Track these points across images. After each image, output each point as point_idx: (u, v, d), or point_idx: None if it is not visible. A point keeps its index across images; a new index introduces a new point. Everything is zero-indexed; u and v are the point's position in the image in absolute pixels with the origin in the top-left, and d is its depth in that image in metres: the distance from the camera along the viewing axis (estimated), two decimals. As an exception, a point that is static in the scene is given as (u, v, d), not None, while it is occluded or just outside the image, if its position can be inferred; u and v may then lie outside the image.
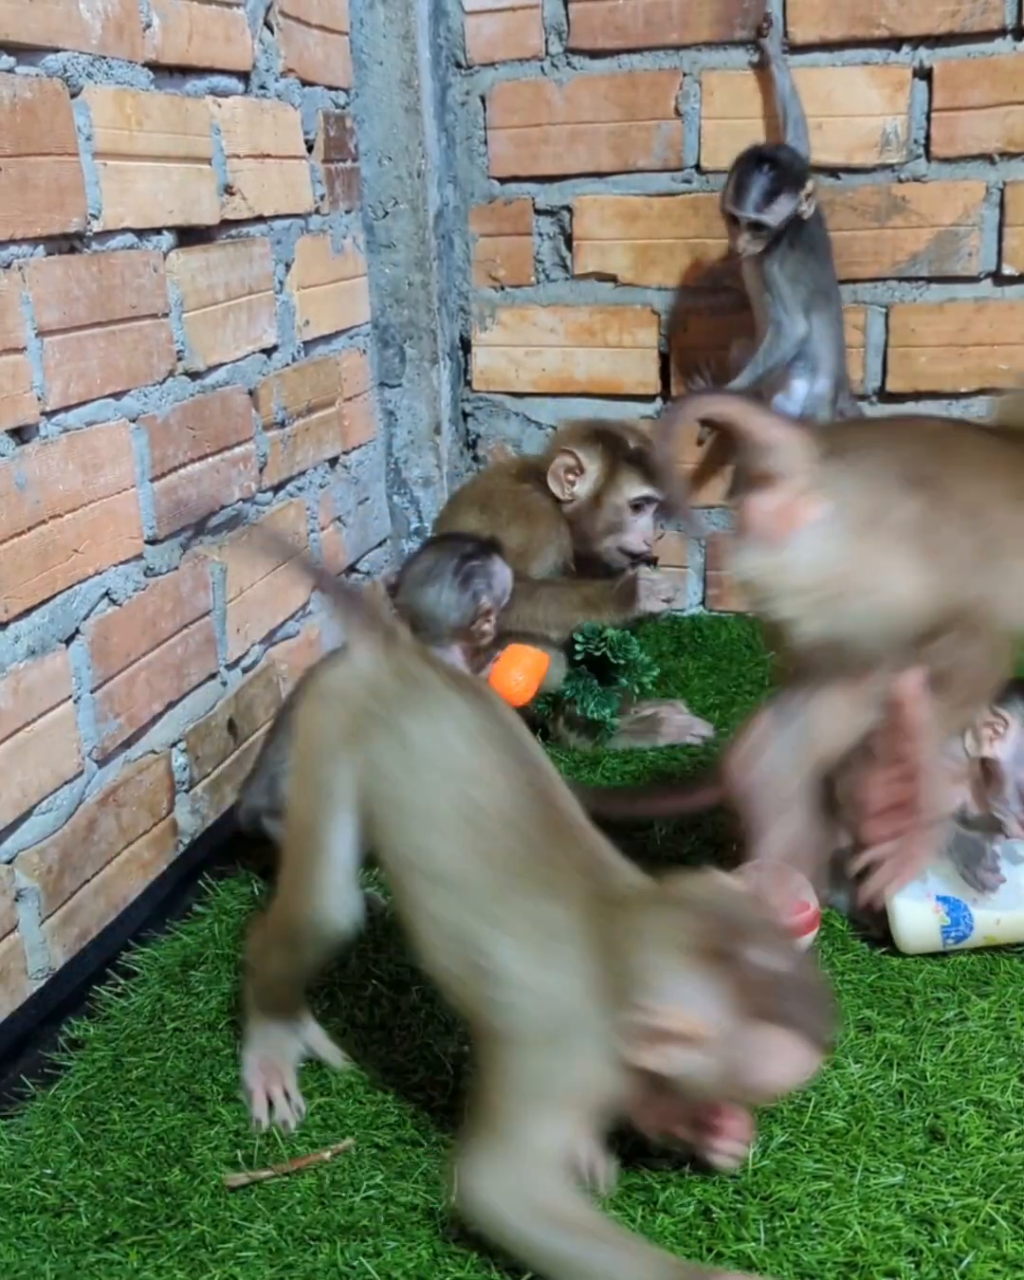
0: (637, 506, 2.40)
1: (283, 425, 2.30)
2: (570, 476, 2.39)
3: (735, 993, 1.18)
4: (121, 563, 1.78)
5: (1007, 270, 2.68)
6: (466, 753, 1.32)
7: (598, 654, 2.33)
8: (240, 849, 2.08)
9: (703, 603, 2.97)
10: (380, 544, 2.89)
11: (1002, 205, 2.66)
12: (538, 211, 2.90)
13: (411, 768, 1.31)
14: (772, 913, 1.34)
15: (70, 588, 1.67)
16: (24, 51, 1.55)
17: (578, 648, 2.34)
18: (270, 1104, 1.49)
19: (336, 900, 1.40)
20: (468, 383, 3.03)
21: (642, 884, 1.31)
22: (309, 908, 1.41)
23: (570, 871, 1.28)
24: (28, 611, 1.58)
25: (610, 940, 1.22)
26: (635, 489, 2.38)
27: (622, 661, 2.33)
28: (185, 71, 1.93)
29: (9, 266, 1.53)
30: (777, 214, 2.47)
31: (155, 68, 1.84)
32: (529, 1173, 1.23)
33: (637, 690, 2.37)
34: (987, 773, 1.74)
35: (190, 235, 1.96)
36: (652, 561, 2.47)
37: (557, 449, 2.43)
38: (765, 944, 1.21)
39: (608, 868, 1.31)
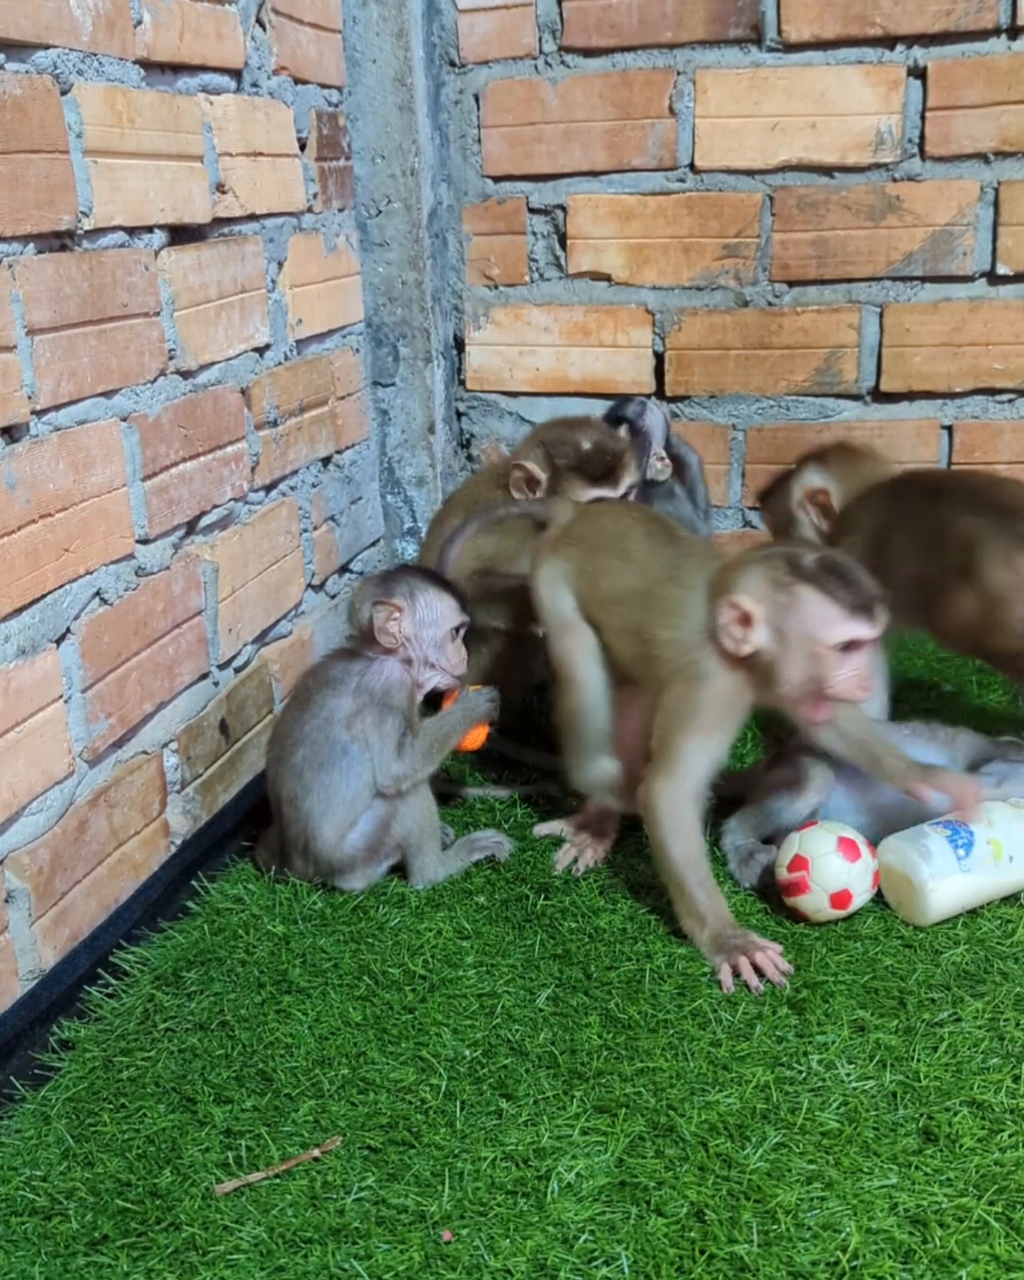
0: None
1: (275, 424, 2.29)
2: (529, 487, 2.33)
3: (783, 576, 1.72)
4: (112, 562, 1.78)
5: (1001, 270, 2.68)
6: (618, 532, 1.98)
7: None
8: (232, 849, 2.08)
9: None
10: (374, 544, 2.89)
11: (996, 204, 2.66)
12: (532, 210, 2.89)
13: (593, 554, 1.98)
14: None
15: (61, 587, 1.66)
16: (13, 48, 1.55)
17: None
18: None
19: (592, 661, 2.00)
20: (462, 382, 3.03)
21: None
22: (578, 668, 2.00)
23: (691, 565, 1.86)
24: (18, 611, 1.58)
25: (716, 587, 1.78)
26: (584, 493, 2.28)
27: None
28: (176, 69, 1.92)
29: (-1, 264, 1.52)
30: None
31: (146, 65, 1.83)
32: (683, 788, 1.79)
33: None
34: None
35: (182, 233, 1.96)
36: None
37: (511, 461, 2.37)
38: (813, 555, 1.75)
39: (721, 556, 1.89)
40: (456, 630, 2.04)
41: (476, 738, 2.08)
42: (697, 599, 1.80)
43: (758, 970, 1.69)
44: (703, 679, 1.78)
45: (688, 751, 1.79)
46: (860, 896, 1.79)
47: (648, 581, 1.89)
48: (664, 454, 2.63)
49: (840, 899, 1.78)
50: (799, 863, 1.79)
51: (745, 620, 1.72)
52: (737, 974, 1.69)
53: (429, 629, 2.01)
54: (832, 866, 1.77)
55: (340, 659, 2.03)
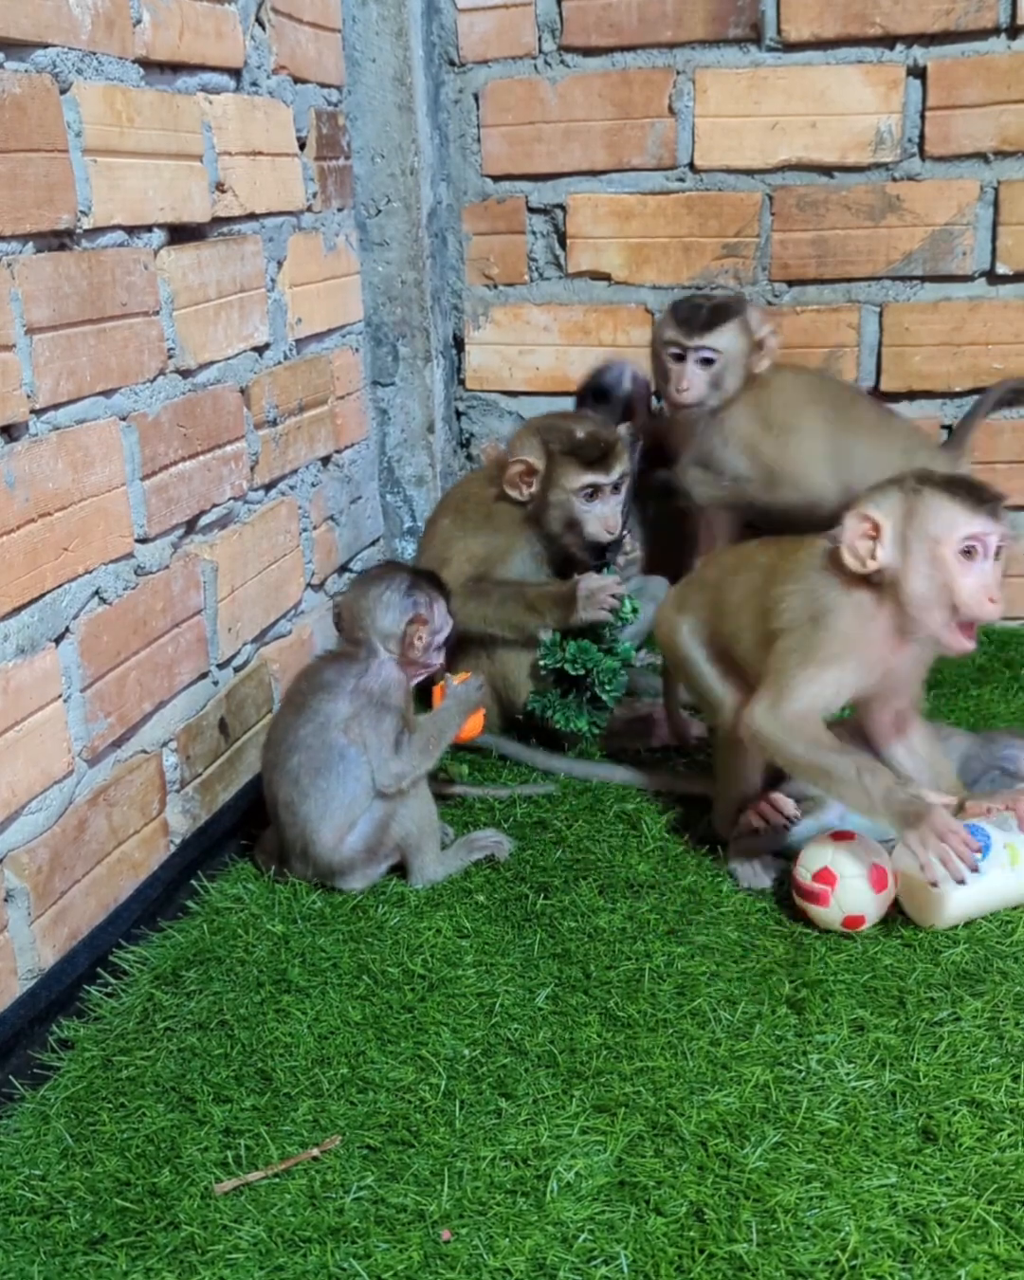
0: (588, 495, 2.32)
1: (274, 423, 2.29)
2: (527, 480, 2.34)
3: (910, 485, 1.77)
4: (112, 561, 1.78)
5: (1001, 269, 2.68)
6: (738, 558, 2.07)
7: (558, 666, 2.29)
8: (231, 848, 2.08)
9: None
10: (373, 543, 2.89)
11: (996, 204, 2.66)
12: (531, 210, 2.89)
13: (719, 585, 2.05)
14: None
15: (60, 586, 1.66)
16: (13, 47, 1.55)
17: (541, 661, 2.31)
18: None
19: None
20: (461, 381, 3.03)
21: None
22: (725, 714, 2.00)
23: (809, 543, 1.88)
24: (17, 610, 1.57)
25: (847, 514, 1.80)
26: (578, 478, 2.31)
27: (581, 671, 2.28)
28: (176, 68, 1.92)
29: (-2, 263, 1.52)
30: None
31: (146, 64, 1.83)
32: (789, 710, 1.79)
33: (607, 697, 2.30)
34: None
35: (181, 233, 1.96)
36: (616, 548, 2.40)
37: (508, 456, 2.38)
38: (943, 474, 1.81)
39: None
40: (450, 635, 2.08)
41: (474, 727, 2.09)
42: (815, 551, 1.85)
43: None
44: (824, 613, 1.80)
45: (799, 680, 1.79)
46: (871, 922, 1.78)
47: (769, 565, 1.93)
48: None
49: (853, 921, 1.77)
50: (827, 876, 1.76)
51: (873, 531, 1.76)
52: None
53: (437, 636, 2.05)
54: (857, 891, 1.76)
55: (334, 662, 2.02)
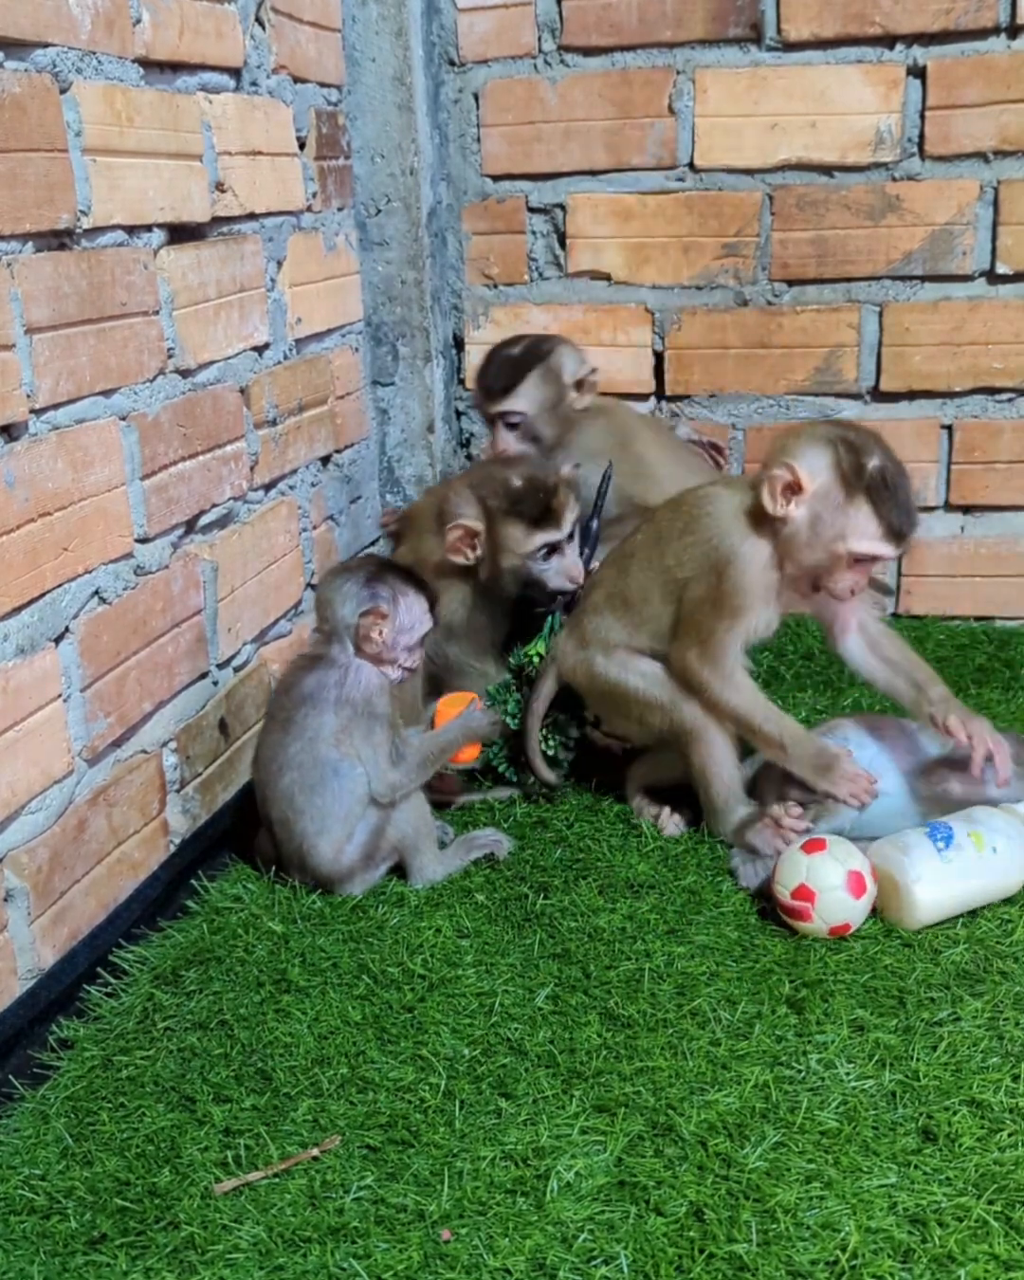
0: (543, 555, 2.19)
1: (274, 423, 2.29)
2: (469, 543, 2.19)
3: (843, 469, 1.79)
4: (111, 561, 1.78)
5: (1001, 269, 2.68)
6: (625, 549, 2.09)
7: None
8: (231, 848, 2.08)
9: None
10: (373, 543, 2.89)
11: (995, 204, 2.65)
12: (531, 209, 2.89)
13: (620, 583, 2.08)
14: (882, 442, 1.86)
15: (60, 586, 1.66)
16: (12, 46, 1.55)
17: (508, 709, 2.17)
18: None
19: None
20: (461, 381, 3.03)
21: None
22: None
23: (693, 491, 2.01)
24: (17, 610, 1.57)
25: (771, 452, 1.87)
26: (528, 541, 2.16)
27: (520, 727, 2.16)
28: (176, 68, 1.92)
29: (-2, 263, 1.52)
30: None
31: (145, 64, 1.83)
32: (724, 665, 1.91)
33: (554, 751, 2.18)
34: None
35: (181, 232, 1.96)
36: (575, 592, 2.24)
37: (447, 522, 2.21)
38: (878, 452, 1.80)
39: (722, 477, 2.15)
40: (426, 637, 2.03)
41: (470, 753, 2.08)
42: (717, 501, 1.93)
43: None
44: (730, 559, 1.88)
45: (722, 632, 1.90)
46: (857, 925, 1.78)
47: (657, 531, 2.00)
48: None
49: (838, 930, 1.77)
50: (805, 893, 1.75)
51: (794, 488, 1.81)
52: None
53: (405, 635, 1.98)
54: (837, 902, 1.75)
55: (310, 669, 1.96)
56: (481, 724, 2.06)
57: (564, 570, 2.21)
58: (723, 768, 2.00)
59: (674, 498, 2.05)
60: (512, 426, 2.43)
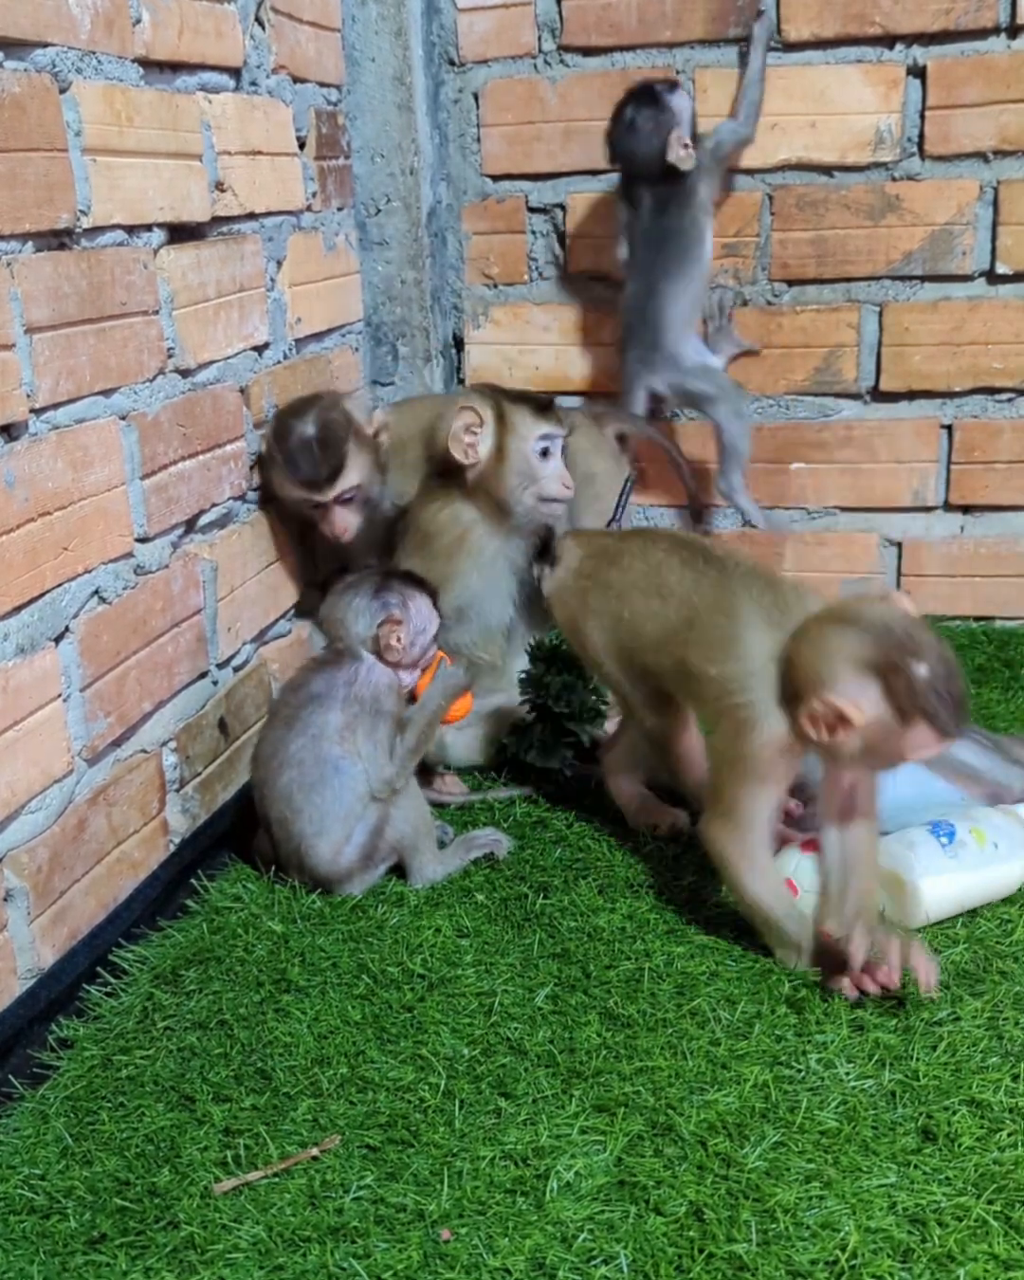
0: (542, 451, 2.20)
1: (275, 423, 2.29)
2: (471, 434, 2.18)
3: (897, 698, 1.56)
4: (111, 560, 1.78)
5: (1000, 269, 2.68)
6: (648, 568, 1.90)
7: (541, 703, 2.21)
8: (231, 848, 2.08)
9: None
10: (373, 542, 2.89)
11: (995, 204, 2.65)
12: (531, 209, 2.89)
13: (626, 600, 1.92)
14: (923, 626, 1.63)
15: (60, 585, 1.66)
16: (12, 46, 1.55)
17: (520, 698, 2.23)
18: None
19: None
20: (461, 381, 3.02)
21: (817, 605, 1.70)
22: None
23: (738, 592, 1.75)
24: (17, 609, 1.57)
25: (797, 653, 1.64)
26: (535, 428, 2.19)
27: (565, 710, 2.20)
28: (176, 67, 1.92)
29: (-3, 263, 1.52)
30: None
31: (145, 63, 1.83)
32: (749, 835, 1.71)
33: (586, 739, 2.22)
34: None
35: (181, 232, 1.96)
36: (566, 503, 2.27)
37: (449, 414, 2.22)
38: (926, 655, 1.58)
39: (770, 580, 1.77)
40: (440, 632, 2.06)
41: (461, 709, 2.07)
42: (752, 636, 1.70)
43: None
44: (755, 724, 1.68)
45: (745, 799, 1.71)
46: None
47: (691, 613, 1.79)
48: (688, 141, 2.56)
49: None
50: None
51: (843, 721, 1.58)
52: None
53: (421, 636, 2.03)
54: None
55: (320, 670, 1.99)
56: (457, 678, 2.06)
57: (557, 474, 2.22)
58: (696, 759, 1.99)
59: (716, 577, 1.80)
60: (346, 502, 2.27)
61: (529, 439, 2.19)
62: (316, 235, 2.50)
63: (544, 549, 2.24)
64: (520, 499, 2.21)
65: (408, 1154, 1.43)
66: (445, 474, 2.26)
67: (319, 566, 2.45)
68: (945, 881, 1.78)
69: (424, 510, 2.28)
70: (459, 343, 3.01)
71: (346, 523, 2.27)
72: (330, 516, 2.26)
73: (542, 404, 2.23)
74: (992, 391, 2.75)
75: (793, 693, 1.64)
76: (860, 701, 1.57)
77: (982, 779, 1.97)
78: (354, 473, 2.26)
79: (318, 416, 2.23)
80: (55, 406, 1.64)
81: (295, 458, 2.20)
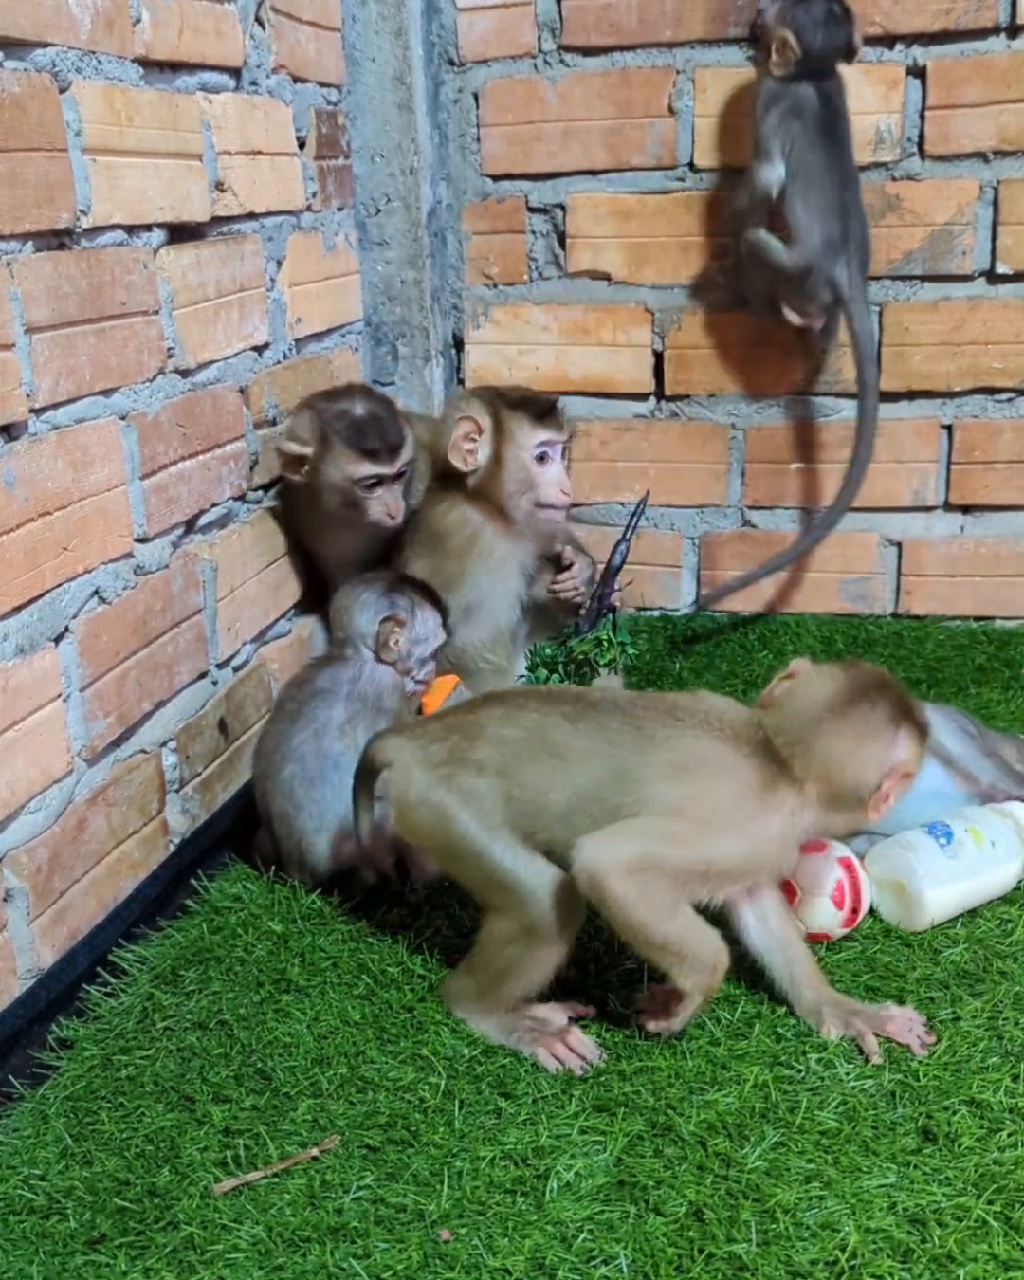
0: (540, 457, 2.23)
1: (274, 423, 2.29)
2: (469, 442, 2.22)
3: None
4: (111, 561, 1.78)
5: (1001, 269, 2.68)
6: (537, 727, 1.60)
7: (583, 653, 2.24)
8: (231, 847, 2.08)
9: (696, 603, 2.96)
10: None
11: (995, 203, 2.65)
12: (531, 209, 2.89)
13: (514, 769, 1.59)
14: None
15: (59, 586, 1.66)
16: (12, 46, 1.54)
17: (538, 672, 2.26)
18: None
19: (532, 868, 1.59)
20: (461, 381, 3.02)
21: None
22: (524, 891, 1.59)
23: (655, 746, 1.57)
24: (16, 609, 1.57)
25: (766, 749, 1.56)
26: (532, 435, 2.22)
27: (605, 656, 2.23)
28: (176, 67, 1.92)
29: (-3, 262, 1.52)
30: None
31: (145, 63, 1.83)
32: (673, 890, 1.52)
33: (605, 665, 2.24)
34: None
35: (181, 232, 1.96)
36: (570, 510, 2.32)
37: (449, 421, 2.28)
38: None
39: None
40: (440, 648, 2.08)
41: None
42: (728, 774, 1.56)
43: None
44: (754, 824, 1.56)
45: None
46: (836, 937, 1.78)
47: (600, 776, 1.55)
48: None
49: (816, 937, 1.76)
50: (788, 889, 1.74)
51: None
52: None
53: (420, 646, 2.05)
54: (817, 909, 1.75)
55: (324, 668, 2.02)
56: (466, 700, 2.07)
57: (556, 480, 2.25)
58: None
59: (634, 723, 1.59)
60: (400, 477, 2.27)
61: (526, 446, 2.22)
62: (316, 235, 2.50)
63: (556, 561, 2.30)
64: (519, 504, 2.25)
65: (408, 1154, 1.43)
66: (450, 477, 2.27)
67: (332, 575, 2.40)
68: (948, 883, 1.78)
69: (433, 511, 2.31)
70: (459, 343, 3.01)
71: (397, 504, 2.27)
72: (384, 495, 2.26)
73: (541, 409, 2.23)
74: (992, 391, 2.74)
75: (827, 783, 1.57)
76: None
77: (955, 764, 1.97)
78: (409, 447, 2.30)
79: (363, 396, 2.29)
80: (55, 406, 1.64)
81: (361, 429, 2.22)
